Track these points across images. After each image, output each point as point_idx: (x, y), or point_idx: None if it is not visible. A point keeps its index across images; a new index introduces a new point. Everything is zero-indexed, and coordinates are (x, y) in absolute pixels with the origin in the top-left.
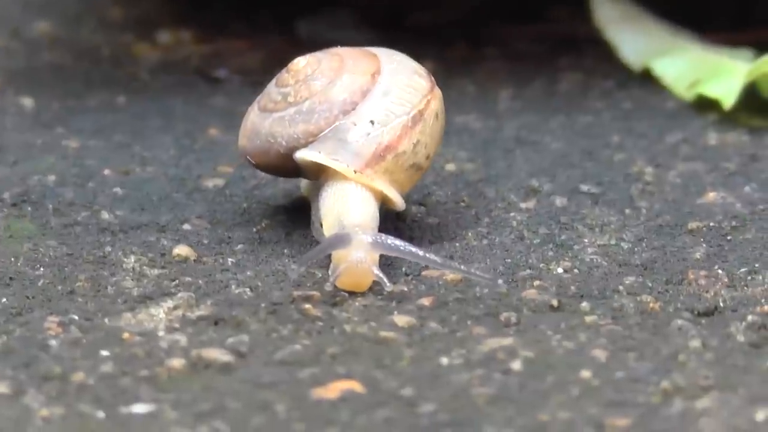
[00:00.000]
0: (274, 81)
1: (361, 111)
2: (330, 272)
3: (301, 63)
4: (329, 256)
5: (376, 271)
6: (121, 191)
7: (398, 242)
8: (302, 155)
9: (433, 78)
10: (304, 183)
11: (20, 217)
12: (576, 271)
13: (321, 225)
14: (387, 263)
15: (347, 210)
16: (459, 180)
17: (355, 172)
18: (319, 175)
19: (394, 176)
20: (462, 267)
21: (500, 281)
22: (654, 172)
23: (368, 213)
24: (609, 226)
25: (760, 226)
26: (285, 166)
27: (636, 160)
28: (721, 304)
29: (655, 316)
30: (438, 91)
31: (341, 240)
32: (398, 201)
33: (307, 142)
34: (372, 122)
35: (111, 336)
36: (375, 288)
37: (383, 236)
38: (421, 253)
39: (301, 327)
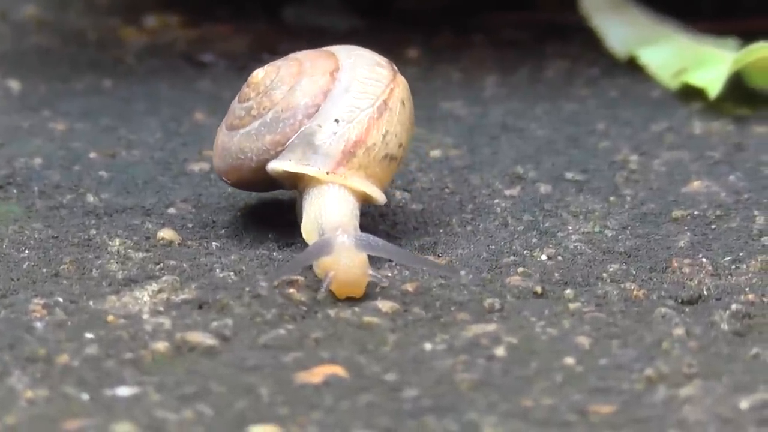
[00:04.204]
0: (236, 98)
1: (324, 111)
2: (322, 281)
3: (259, 75)
4: (310, 266)
5: (371, 272)
6: (106, 174)
7: (380, 241)
8: (273, 166)
9: (395, 66)
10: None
11: (6, 199)
12: (560, 258)
13: (303, 235)
14: None
15: (324, 212)
16: (444, 166)
17: (328, 173)
18: (296, 183)
19: (368, 171)
20: (441, 265)
21: (463, 281)
22: (639, 160)
23: (346, 212)
24: (593, 213)
25: (745, 215)
26: (260, 180)
27: (621, 148)
28: (705, 293)
29: (639, 303)
30: (401, 79)
31: (322, 248)
32: (377, 196)
33: (276, 153)
34: (337, 121)
35: (95, 319)
36: None
37: (365, 236)
38: (402, 251)
39: (285, 311)
